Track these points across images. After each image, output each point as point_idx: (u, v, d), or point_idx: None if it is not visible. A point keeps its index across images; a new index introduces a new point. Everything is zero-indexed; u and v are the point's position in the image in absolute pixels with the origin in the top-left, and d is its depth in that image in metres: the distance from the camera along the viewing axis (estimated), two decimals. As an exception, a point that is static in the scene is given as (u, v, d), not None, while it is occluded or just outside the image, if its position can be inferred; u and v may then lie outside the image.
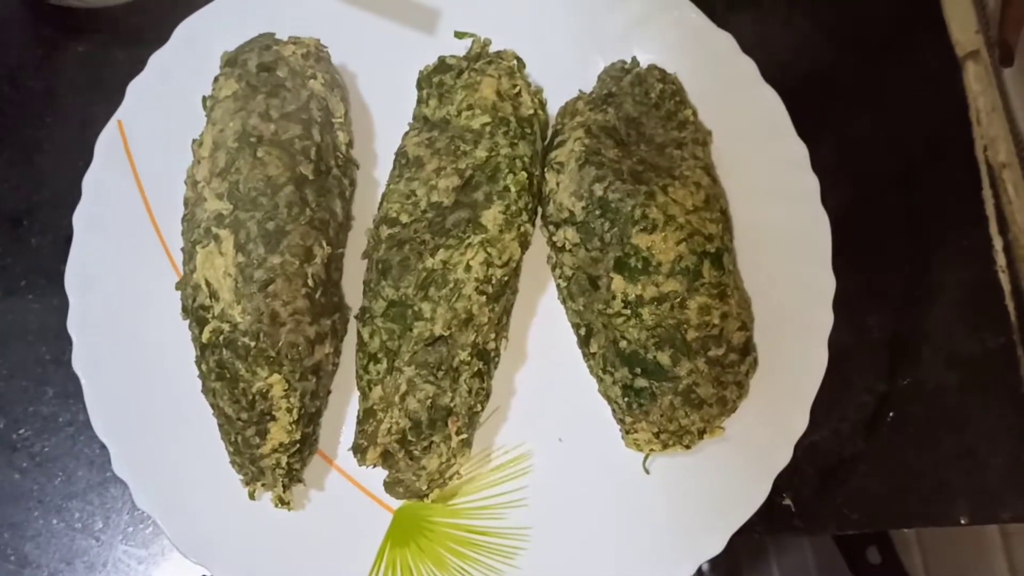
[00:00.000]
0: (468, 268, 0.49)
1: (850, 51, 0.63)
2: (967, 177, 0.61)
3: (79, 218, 0.55)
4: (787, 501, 0.55)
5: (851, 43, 0.63)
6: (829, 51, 0.63)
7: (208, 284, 0.49)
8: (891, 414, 0.57)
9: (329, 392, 0.53)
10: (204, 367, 0.50)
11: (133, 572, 0.54)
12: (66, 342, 0.53)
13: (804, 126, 0.55)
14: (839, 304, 0.53)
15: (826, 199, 0.54)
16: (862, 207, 0.59)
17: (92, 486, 0.55)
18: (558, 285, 0.53)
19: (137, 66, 0.57)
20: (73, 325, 0.53)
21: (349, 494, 0.53)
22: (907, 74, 0.63)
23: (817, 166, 0.55)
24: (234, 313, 0.48)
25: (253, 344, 0.48)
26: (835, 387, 0.54)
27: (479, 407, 0.50)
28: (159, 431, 0.52)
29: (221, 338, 0.48)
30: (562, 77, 0.57)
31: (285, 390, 0.48)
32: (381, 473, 0.51)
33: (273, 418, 0.49)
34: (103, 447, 0.52)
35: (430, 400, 0.48)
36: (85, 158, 0.55)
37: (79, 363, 0.53)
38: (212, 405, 0.50)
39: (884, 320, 0.58)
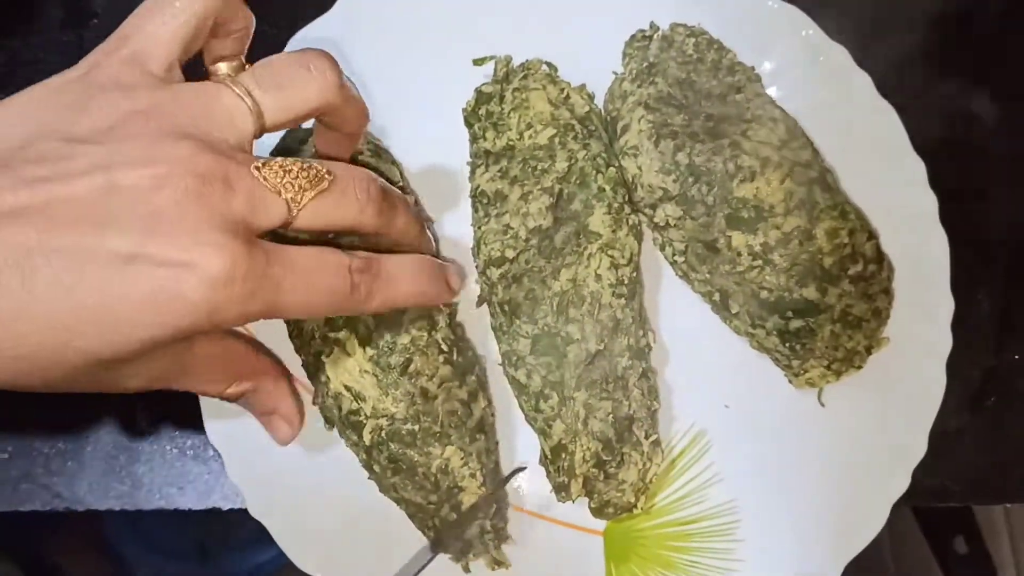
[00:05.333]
0: (598, 277, 0.48)
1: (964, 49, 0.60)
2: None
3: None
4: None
5: (963, 35, 0.61)
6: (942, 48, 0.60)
7: (349, 389, 0.48)
8: (998, 389, 0.56)
9: (497, 443, 0.52)
10: (377, 468, 0.49)
11: (242, 501, 0.53)
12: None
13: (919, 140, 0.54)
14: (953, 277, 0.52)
15: (933, 176, 0.53)
16: (969, 177, 0.58)
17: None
18: (674, 263, 0.53)
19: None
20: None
21: (552, 534, 0.52)
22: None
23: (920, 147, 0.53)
24: (387, 406, 0.48)
25: (417, 428, 0.48)
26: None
27: (656, 404, 0.50)
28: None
29: (383, 434, 0.48)
30: (586, 68, 0.56)
31: (463, 459, 0.48)
32: (573, 505, 0.50)
33: (461, 489, 0.48)
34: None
35: (611, 416, 0.48)
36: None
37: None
38: (397, 502, 0.50)
39: (993, 293, 0.57)
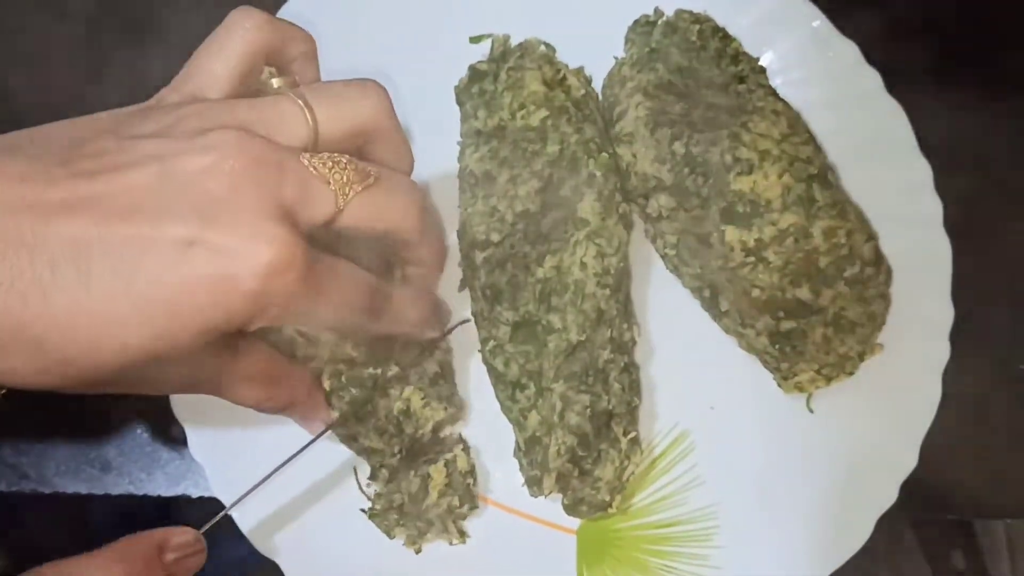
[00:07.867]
0: (583, 266, 0.47)
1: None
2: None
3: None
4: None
5: (979, 37, 0.58)
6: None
7: (303, 334, 0.47)
8: (1002, 400, 0.54)
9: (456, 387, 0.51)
10: (335, 414, 0.47)
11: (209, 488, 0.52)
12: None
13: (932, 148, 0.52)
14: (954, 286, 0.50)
15: (939, 180, 0.51)
16: (976, 183, 0.54)
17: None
18: (664, 256, 0.51)
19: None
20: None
21: (523, 529, 0.50)
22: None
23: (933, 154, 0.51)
24: (346, 349, 0.47)
25: (378, 371, 0.47)
26: (945, 370, 0.50)
27: (637, 400, 0.48)
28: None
29: (343, 379, 0.47)
30: (588, 51, 0.54)
31: (424, 399, 0.48)
32: (547, 501, 0.49)
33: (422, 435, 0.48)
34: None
35: (589, 410, 0.46)
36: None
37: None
38: (358, 452, 0.49)
39: (998, 302, 0.55)
